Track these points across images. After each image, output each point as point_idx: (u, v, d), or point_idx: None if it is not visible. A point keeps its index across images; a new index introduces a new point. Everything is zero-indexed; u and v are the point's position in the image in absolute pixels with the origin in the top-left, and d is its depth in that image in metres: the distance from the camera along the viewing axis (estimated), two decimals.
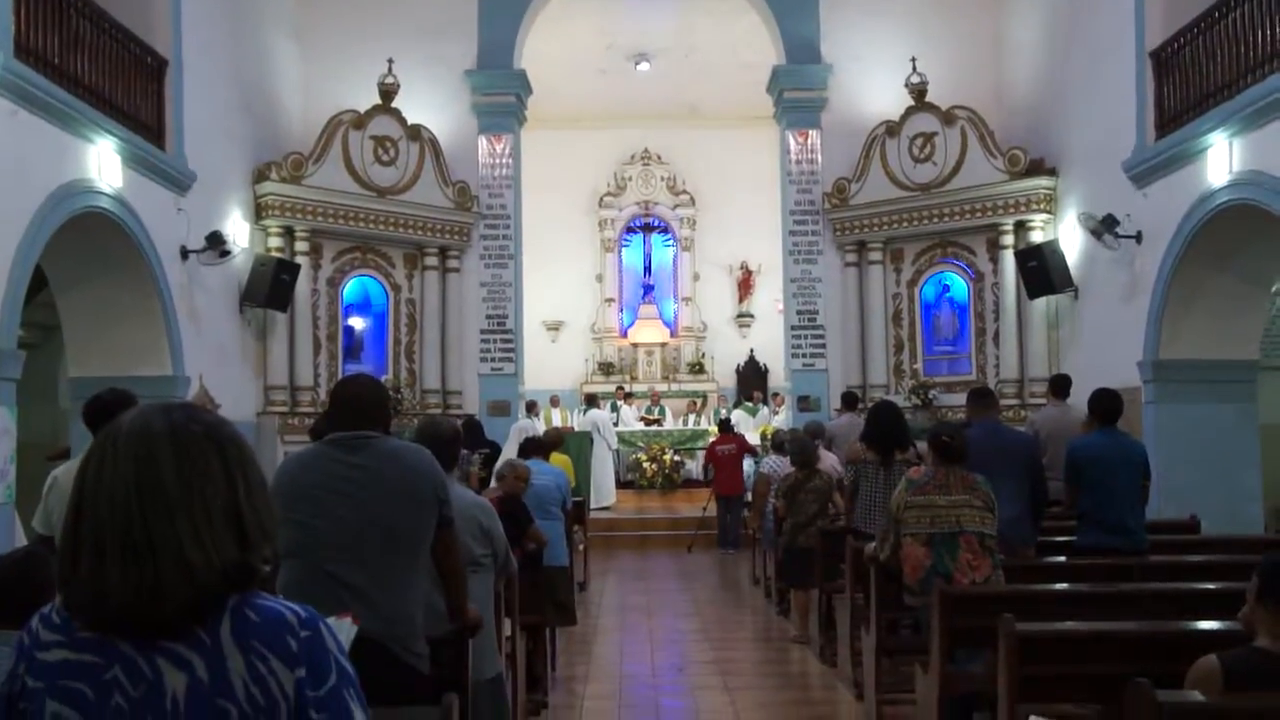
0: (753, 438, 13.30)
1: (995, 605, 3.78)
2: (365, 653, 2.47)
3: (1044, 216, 11.19)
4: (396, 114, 12.15)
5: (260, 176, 11.04)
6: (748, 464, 11.94)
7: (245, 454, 1.26)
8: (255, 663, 1.18)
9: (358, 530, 2.69)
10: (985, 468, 4.59)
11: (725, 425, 12.13)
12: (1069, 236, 10.50)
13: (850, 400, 9.94)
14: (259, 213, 11.05)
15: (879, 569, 4.88)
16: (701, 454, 14.05)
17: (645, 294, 18.58)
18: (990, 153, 11.58)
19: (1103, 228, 9.07)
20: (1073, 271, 10.37)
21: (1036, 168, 11.23)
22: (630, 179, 18.37)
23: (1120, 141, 9.00)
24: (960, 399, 8.46)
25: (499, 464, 5.12)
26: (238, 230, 10.06)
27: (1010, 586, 4.34)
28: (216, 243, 9.25)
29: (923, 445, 4.99)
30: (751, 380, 17.49)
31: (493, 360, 12.78)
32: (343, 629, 2.15)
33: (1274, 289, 9.63)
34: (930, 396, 11.79)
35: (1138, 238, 8.86)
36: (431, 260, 12.56)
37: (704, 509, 11.57)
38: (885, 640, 5.13)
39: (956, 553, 4.29)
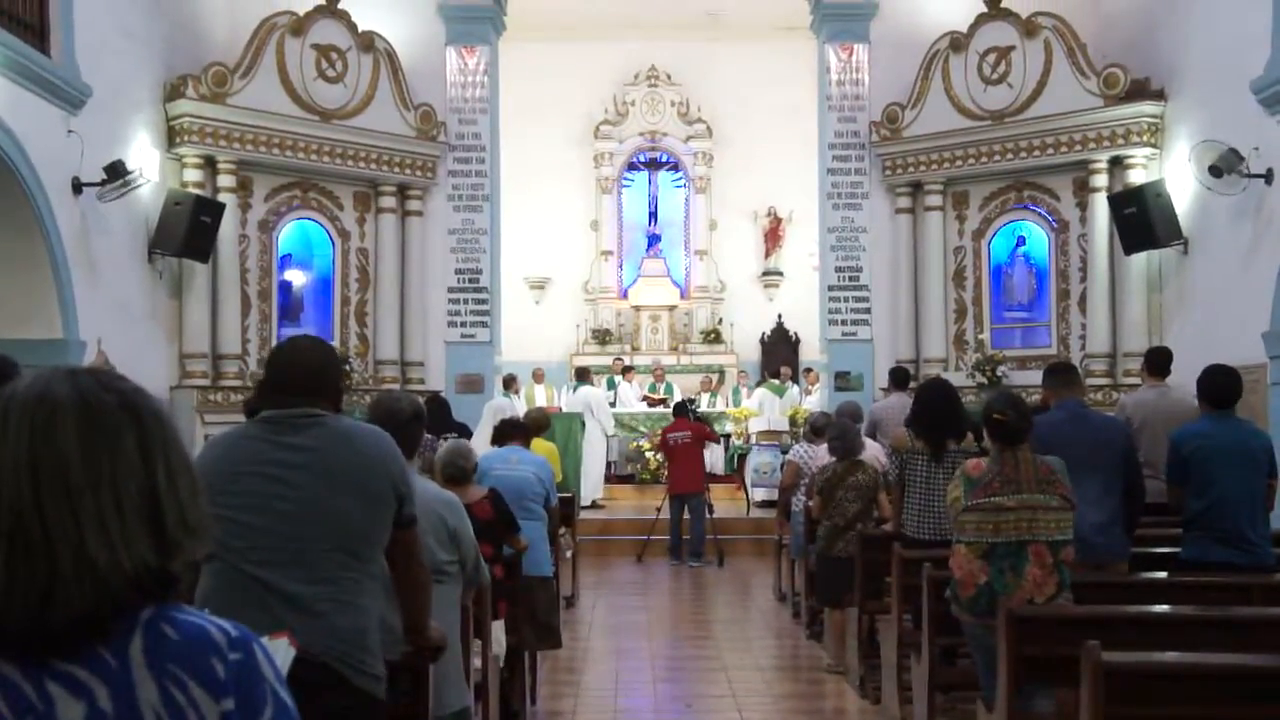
0: (780, 422, 13.29)
1: (1075, 630, 3.75)
2: (306, 675, 2.46)
3: (1147, 151, 11.09)
4: (344, 18, 12.05)
5: (174, 93, 10.95)
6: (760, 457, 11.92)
7: (168, 432, 1.25)
8: (172, 690, 1.17)
9: (295, 528, 2.69)
10: (1067, 462, 4.55)
11: (680, 408, 12.07)
12: (1178, 176, 10.40)
13: (900, 378, 9.91)
14: (172, 138, 10.98)
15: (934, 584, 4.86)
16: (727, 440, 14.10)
17: (650, 246, 18.55)
18: (1081, 71, 11.46)
19: (1224, 164, 8.98)
20: (1181, 220, 10.30)
21: (1139, 90, 11.11)
22: (634, 104, 18.29)
23: (1249, 56, 8.87)
24: (1037, 377, 8.41)
25: (440, 451, 5.09)
26: (145, 159, 9.98)
27: (1094, 607, 4.31)
28: (118, 174, 9.18)
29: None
30: (779, 352, 17.48)
31: (463, 325, 12.78)
32: (279, 651, 2.12)
33: None
34: (999, 374, 11.77)
35: (1268, 177, 8.75)
36: (388, 201, 12.50)
37: (658, 510, 11.54)
38: (940, 671, 5.12)
39: (1023, 567, 4.27)
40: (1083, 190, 11.63)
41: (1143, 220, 10.34)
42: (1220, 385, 5.33)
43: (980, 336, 12.27)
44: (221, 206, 10.91)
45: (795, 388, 15.60)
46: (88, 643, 1.17)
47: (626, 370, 16.20)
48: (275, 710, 1.22)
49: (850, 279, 12.76)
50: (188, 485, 1.25)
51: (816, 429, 8.39)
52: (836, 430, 7.24)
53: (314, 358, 2.91)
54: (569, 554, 8.72)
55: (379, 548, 2.80)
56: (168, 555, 1.21)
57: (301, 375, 2.84)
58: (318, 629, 2.63)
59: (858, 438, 7.29)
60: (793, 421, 13.15)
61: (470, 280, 12.81)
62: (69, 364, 1.42)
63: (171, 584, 1.22)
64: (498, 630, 4.95)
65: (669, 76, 18.26)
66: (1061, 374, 5.69)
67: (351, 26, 12.07)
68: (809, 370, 15.49)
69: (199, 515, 1.25)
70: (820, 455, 7.75)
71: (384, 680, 2.78)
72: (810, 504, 7.37)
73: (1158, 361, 7.36)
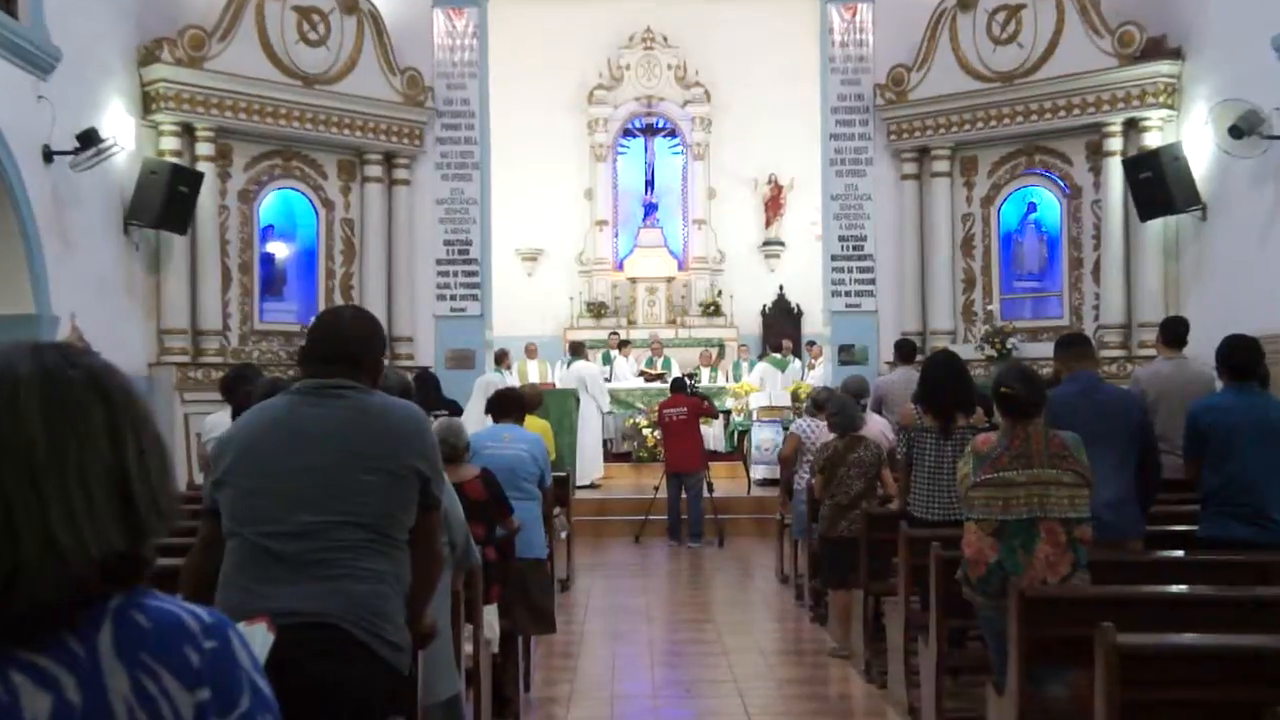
0: (782, 398, 13.29)
1: (1088, 611, 3.75)
2: (316, 640, 2.57)
3: (1163, 113, 11.03)
4: None
5: (149, 57, 10.86)
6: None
7: (138, 410, 1.25)
8: (144, 680, 1.17)
9: (309, 500, 2.73)
10: (1080, 436, 4.54)
11: (678, 384, 12.08)
12: (1196, 139, 10.36)
13: (906, 351, 9.93)
14: (148, 104, 10.89)
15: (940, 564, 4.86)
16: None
17: (647, 215, 18.52)
18: (1094, 29, 11.38)
19: (1244, 124, 8.93)
20: (1200, 185, 10.26)
21: (1155, 49, 11.03)
22: (628, 68, 18.21)
23: (1269, 11, 8.84)
24: (1048, 349, 8.41)
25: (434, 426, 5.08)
26: (120, 127, 9.91)
27: (1108, 587, 4.31)
28: (91, 142, 9.11)
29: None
30: (781, 325, 17.50)
31: (453, 299, 12.75)
32: (256, 637, 2.13)
33: None
34: (1009, 346, 11.77)
35: None
36: (374, 170, 12.45)
37: (656, 489, 11.56)
38: (948, 655, 5.14)
39: (1034, 544, 4.27)
40: (1096, 154, 11.58)
41: (1159, 185, 10.30)
42: (1240, 356, 5.32)
43: (989, 307, 12.26)
44: (200, 176, 10.84)
45: (797, 362, 15.60)
46: (54, 632, 1.16)
47: (622, 344, 16.21)
48: (252, 699, 1.21)
49: (854, 248, 12.72)
50: (159, 466, 1.24)
51: (818, 404, 8.40)
52: (836, 405, 7.25)
53: (354, 328, 2.97)
54: (564, 535, 8.75)
55: (401, 526, 2.83)
56: (138, 539, 1.20)
57: (339, 346, 2.89)
58: (328, 592, 2.67)
59: (859, 412, 7.29)
60: (795, 397, 13.13)
61: (460, 252, 12.77)
62: (34, 338, 1.41)
63: (142, 568, 1.21)
64: (490, 615, 4.95)
65: (665, 39, 18.16)
66: (1074, 346, 5.68)
67: None
68: (811, 344, 15.49)
69: (169, 497, 1.24)
70: (824, 430, 7.75)
71: (406, 652, 2.81)
72: (813, 481, 7.37)
73: (1174, 332, 7.35)
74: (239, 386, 5.84)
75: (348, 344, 2.90)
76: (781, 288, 17.99)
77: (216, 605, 2.65)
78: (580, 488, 12.45)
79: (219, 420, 6.19)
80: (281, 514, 2.72)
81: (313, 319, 3.08)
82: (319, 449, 2.76)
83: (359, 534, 2.73)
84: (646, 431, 14.29)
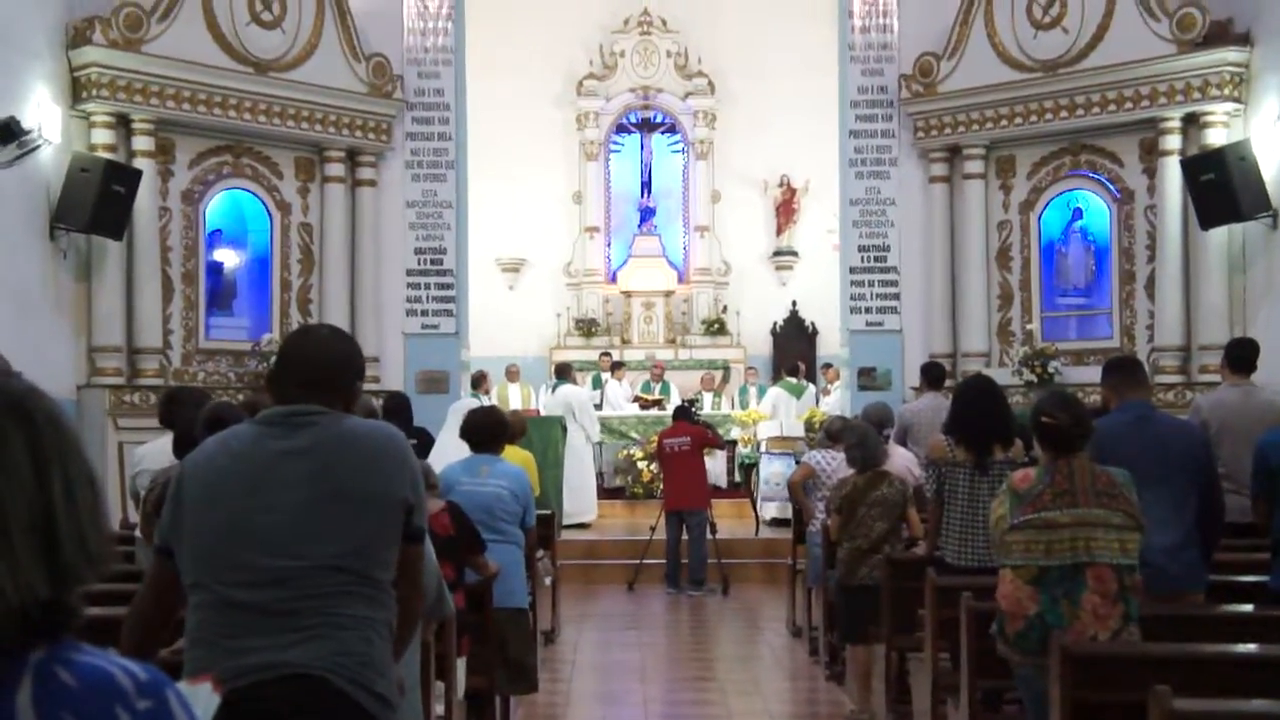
0: (795, 427, 13.30)
1: (1141, 672, 3.75)
2: (296, 694, 2.61)
3: (1229, 107, 11.05)
4: None
5: (79, 38, 10.88)
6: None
7: (66, 439, 1.26)
8: None
9: (283, 546, 2.74)
10: (1131, 473, 4.54)
11: (682, 412, 12.13)
12: (1266, 136, 10.40)
13: (935, 375, 9.97)
14: (78, 92, 10.90)
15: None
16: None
17: (643, 221, 18.58)
18: (1150, 12, 11.42)
19: None
20: (1270, 189, 10.26)
21: (1220, 34, 11.06)
22: (623, 55, 18.31)
23: None
24: (1095, 374, 8.44)
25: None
26: (45, 117, 9.93)
27: (1165, 645, 4.31)
28: (12, 135, 9.16)
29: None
30: (793, 346, 17.54)
31: (424, 314, 12.78)
32: (199, 698, 2.11)
33: None
34: (1051, 370, 11.78)
35: None
36: (335, 168, 12.48)
37: (652, 529, 11.55)
38: (982, 719, 5.09)
39: (1080, 593, 4.26)
40: (1151, 154, 11.61)
41: (1223, 188, 10.32)
42: None
43: (1029, 327, 12.27)
44: (138, 174, 10.85)
45: (812, 387, 15.61)
46: None
47: (615, 367, 16.25)
48: None
49: (876, 259, 12.75)
50: (89, 503, 1.24)
51: (833, 435, 8.43)
52: (855, 436, 7.26)
53: (330, 350, 2.99)
54: (548, 581, 8.76)
55: (386, 567, 2.84)
56: (64, 586, 1.20)
57: (312, 370, 2.90)
58: (313, 644, 2.68)
59: (879, 444, 7.30)
60: (809, 426, 13.15)
61: (433, 261, 12.79)
62: None
63: (68, 618, 1.21)
64: (459, 670, 4.95)
65: (664, 22, 18.26)
66: (1125, 370, 5.70)
67: None
68: (828, 366, 15.52)
69: (101, 537, 1.24)
70: (841, 465, 7.77)
71: (394, 707, 2.83)
72: (829, 522, 7.38)
73: (1241, 356, 7.38)
74: (177, 410, 5.83)
75: (323, 368, 2.91)
76: (794, 303, 18.04)
77: (185, 666, 2.68)
78: (569, 527, 12.44)
79: (152, 449, 6.16)
80: (251, 561, 2.72)
81: (266, 336, 3.09)
82: (290, 485, 2.76)
83: (340, 578, 2.74)
84: (642, 464, 14.29)
